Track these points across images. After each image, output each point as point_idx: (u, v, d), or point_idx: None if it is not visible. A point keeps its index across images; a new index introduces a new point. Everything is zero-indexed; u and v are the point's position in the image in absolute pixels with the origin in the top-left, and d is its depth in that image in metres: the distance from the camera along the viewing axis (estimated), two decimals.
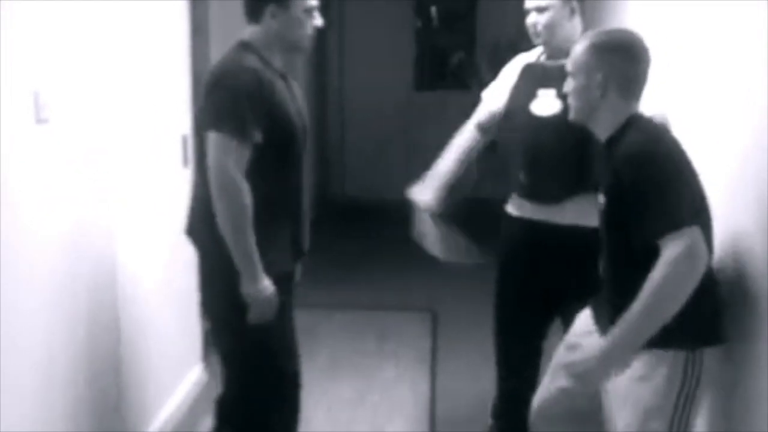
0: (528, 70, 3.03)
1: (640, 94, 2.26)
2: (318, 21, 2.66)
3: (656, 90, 2.47)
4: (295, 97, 2.71)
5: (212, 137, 2.45)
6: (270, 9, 2.58)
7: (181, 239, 2.71)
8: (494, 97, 3.18)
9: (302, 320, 3.20)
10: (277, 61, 2.65)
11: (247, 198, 2.44)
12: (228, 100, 2.46)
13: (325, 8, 2.77)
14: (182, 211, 2.72)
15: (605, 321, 2.26)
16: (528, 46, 3.14)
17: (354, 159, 9.01)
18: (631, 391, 2.18)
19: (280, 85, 2.62)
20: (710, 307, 2.15)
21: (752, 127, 2.13)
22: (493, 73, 3.31)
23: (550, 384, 2.56)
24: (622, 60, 2.22)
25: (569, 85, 2.30)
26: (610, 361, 2.11)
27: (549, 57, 3.00)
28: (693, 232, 2.01)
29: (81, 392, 2.69)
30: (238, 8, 2.74)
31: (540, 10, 2.92)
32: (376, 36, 8.80)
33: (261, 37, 2.61)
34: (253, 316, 2.52)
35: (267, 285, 2.51)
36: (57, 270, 2.52)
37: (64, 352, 2.57)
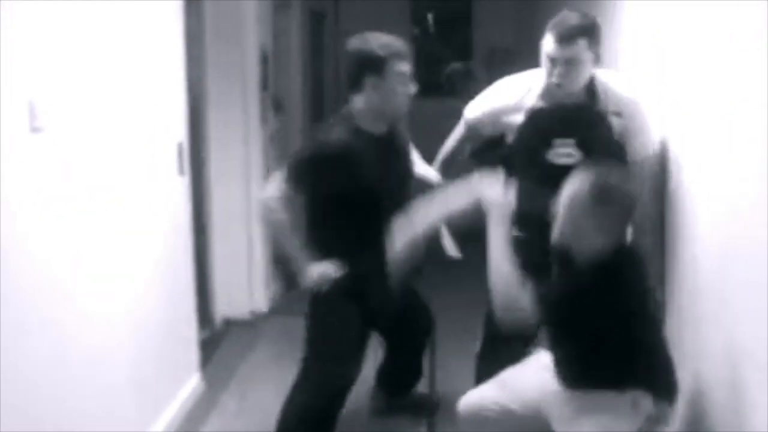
0: (539, 117, 2.91)
1: None
2: (412, 89, 2.84)
3: (656, 92, 2.47)
4: (396, 156, 2.99)
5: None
6: (370, 81, 2.79)
7: (178, 247, 2.69)
8: (475, 110, 3.17)
9: (296, 329, 3.21)
10: (377, 127, 2.89)
11: (277, 214, 2.90)
12: (292, 162, 2.94)
13: (320, 20, 2.79)
14: (178, 218, 2.71)
15: (570, 377, 2.42)
16: (522, 52, 3.12)
17: None
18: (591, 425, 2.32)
19: (370, 151, 2.83)
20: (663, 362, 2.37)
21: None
22: (488, 80, 3.29)
23: (494, 393, 2.65)
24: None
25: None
26: None
27: (554, 97, 2.89)
28: None
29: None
30: (233, 15, 2.75)
31: (571, 62, 2.79)
32: None
33: (361, 107, 2.87)
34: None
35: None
36: (52, 278, 2.51)
37: (60, 359, 2.56)
